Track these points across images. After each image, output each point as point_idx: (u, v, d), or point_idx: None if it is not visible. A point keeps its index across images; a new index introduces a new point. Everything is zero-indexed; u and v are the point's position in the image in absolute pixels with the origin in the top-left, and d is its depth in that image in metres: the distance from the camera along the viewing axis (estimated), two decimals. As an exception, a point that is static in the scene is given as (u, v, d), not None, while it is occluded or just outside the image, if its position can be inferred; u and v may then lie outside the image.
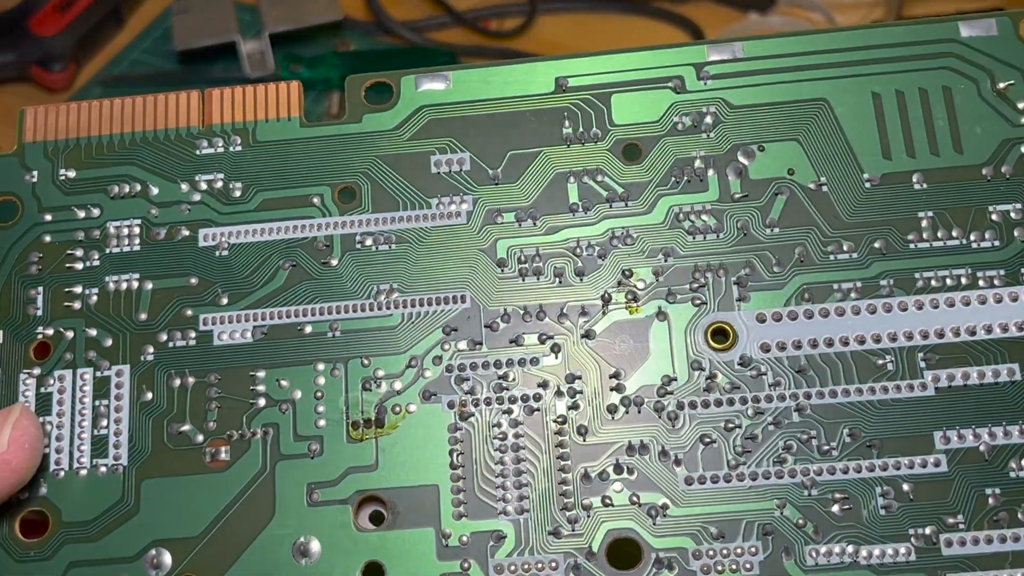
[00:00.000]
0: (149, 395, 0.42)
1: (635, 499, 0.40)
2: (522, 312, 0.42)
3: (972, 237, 0.41)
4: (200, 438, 0.42)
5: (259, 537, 0.40)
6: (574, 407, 0.41)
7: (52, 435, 0.42)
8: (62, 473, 0.41)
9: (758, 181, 0.43)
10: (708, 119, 0.43)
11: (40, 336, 0.43)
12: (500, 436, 0.41)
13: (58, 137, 0.45)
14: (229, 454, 0.41)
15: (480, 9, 0.81)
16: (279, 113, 0.45)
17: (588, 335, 0.42)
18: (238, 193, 0.44)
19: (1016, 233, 0.41)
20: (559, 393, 0.41)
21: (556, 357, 0.41)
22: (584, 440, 0.41)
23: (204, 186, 0.44)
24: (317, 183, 0.44)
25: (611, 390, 0.41)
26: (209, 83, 0.77)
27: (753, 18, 0.78)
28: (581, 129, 0.44)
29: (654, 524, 0.40)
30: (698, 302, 0.42)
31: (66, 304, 0.43)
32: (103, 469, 0.41)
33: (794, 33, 0.44)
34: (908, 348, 0.41)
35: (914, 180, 0.42)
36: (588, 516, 0.40)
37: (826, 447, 0.40)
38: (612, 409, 0.41)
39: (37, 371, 0.43)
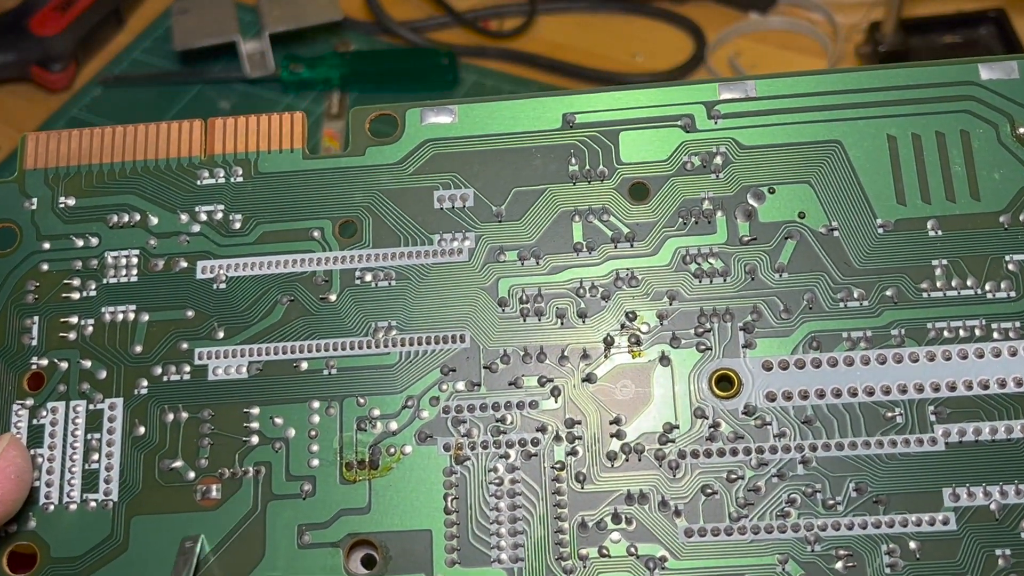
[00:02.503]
0: (142, 429, 0.41)
1: (633, 550, 0.39)
2: (522, 353, 0.41)
3: (987, 287, 0.40)
4: (191, 475, 0.41)
5: (248, 579, 0.40)
6: (572, 453, 0.40)
7: (43, 468, 0.41)
8: (52, 507, 0.41)
9: (767, 224, 0.42)
10: (718, 159, 0.42)
11: (34, 366, 0.42)
12: (496, 481, 0.40)
13: (59, 164, 0.45)
14: (220, 492, 0.41)
15: (480, 9, 0.81)
16: (282, 144, 0.44)
17: (589, 379, 0.41)
18: (238, 225, 0.43)
19: (1033, 284, 0.40)
20: (558, 438, 0.40)
21: (556, 401, 0.40)
22: (582, 488, 0.40)
23: (204, 217, 0.44)
24: (318, 216, 0.43)
25: (611, 436, 0.40)
26: (209, 83, 0.76)
27: (753, 18, 0.77)
28: (588, 167, 0.43)
29: (652, 577, 0.39)
30: (703, 348, 0.41)
31: (61, 334, 0.43)
32: (93, 504, 0.41)
33: (809, 73, 0.43)
34: (918, 401, 0.39)
35: (928, 227, 0.41)
36: (584, 567, 0.39)
37: (831, 501, 0.39)
38: (612, 456, 0.40)
39: (30, 402, 0.42)
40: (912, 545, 0.38)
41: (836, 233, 0.41)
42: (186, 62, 0.78)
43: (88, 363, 0.42)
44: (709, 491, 0.39)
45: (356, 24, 0.80)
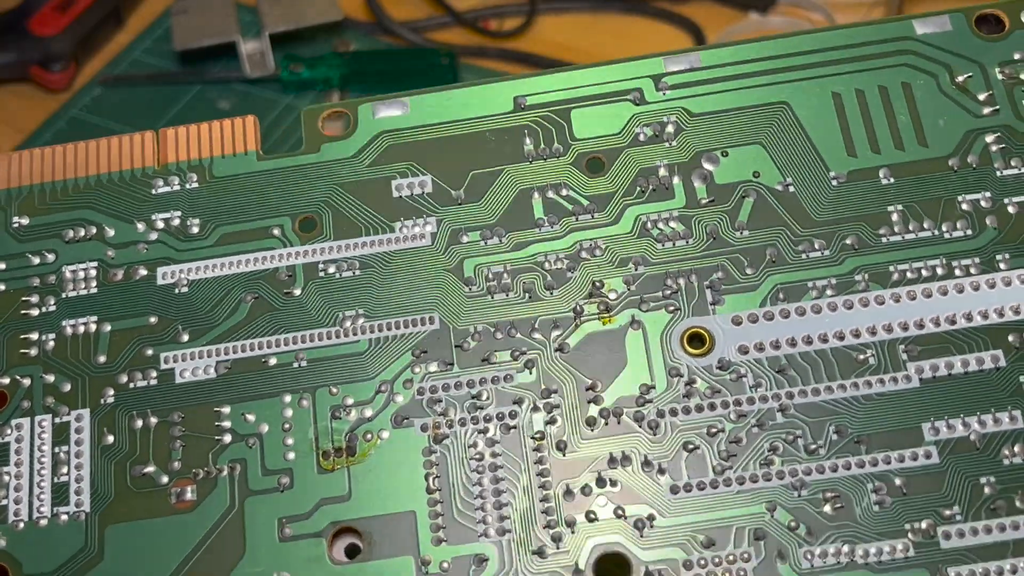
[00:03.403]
0: (111, 438, 0.40)
1: (620, 512, 0.38)
2: (492, 330, 0.41)
3: (944, 227, 0.41)
4: (164, 479, 0.40)
5: (230, 577, 0.39)
6: (551, 422, 0.40)
7: (10, 486, 0.40)
8: (21, 524, 0.40)
9: (724, 186, 0.42)
10: (670, 128, 0.43)
11: (-4, 385, 0.42)
12: (477, 456, 0.39)
13: (11, 185, 0.44)
14: (195, 493, 0.40)
15: (480, 9, 0.81)
16: (235, 148, 0.44)
17: (562, 348, 0.40)
18: (196, 229, 0.43)
19: (988, 221, 0.41)
20: (535, 408, 0.40)
21: (530, 373, 0.40)
22: (564, 455, 0.39)
23: (161, 224, 0.43)
24: (277, 215, 0.43)
25: (588, 402, 0.40)
26: (209, 83, 0.76)
27: (753, 18, 0.78)
28: (543, 145, 0.43)
29: (641, 536, 0.38)
30: (672, 309, 0.41)
31: (22, 351, 0.42)
32: (64, 517, 0.40)
33: (751, 40, 0.44)
34: (888, 341, 0.40)
35: (881, 175, 0.42)
36: (573, 533, 0.38)
37: (813, 446, 0.39)
38: (591, 422, 0.40)
39: (-7, 421, 0.41)
40: (898, 481, 0.38)
41: (792, 188, 0.42)
42: (186, 62, 0.78)
43: (51, 377, 0.41)
44: (691, 447, 0.39)
45: (356, 24, 0.80)
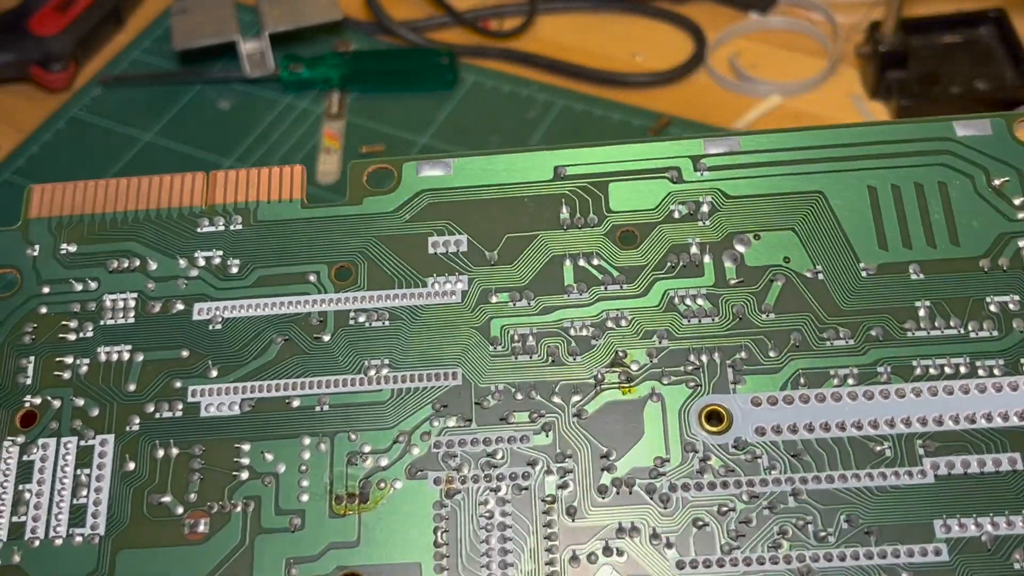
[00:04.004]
0: (132, 465, 0.41)
1: (624, 582, 0.38)
2: (513, 390, 0.41)
3: (970, 327, 0.41)
4: (180, 510, 0.41)
5: (234, 612, 0.39)
6: (563, 486, 0.40)
7: (31, 503, 0.41)
8: (37, 542, 0.40)
9: (754, 268, 0.43)
10: (704, 208, 0.44)
11: (27, 404, 0.43)
12: (487, 515, 0.40)
13: (63, 213, 0.46)
14: (208, 526, 0.40)
15: (480, 9, 0.82)
16: (281, 195, 0.46)
17: (580, 414, 0.41)
18: (235, 269, 0.44)
19: (1015, 324, 0.41)
20: (549, 471, 0.40)
21: (547, 436, 0.41)
22: (573, 520, 0.39)
23: (202, 262, 0.45)
24: (314, 261, 0.44)
25: (602, 470, 0.40)
26: (209, 83, 0.77)
27: (753, 18, 0.79)
28: (578, 215, 0.44)
29: (643, 608, 0.38)
30: (692, 384, 0.41)
31: (56, 373, 0.43)
32: (79, 539, 0.40)
33: (792, 129, 0.45)
34: (906, 435, 0.40)
35: (911, 270, 0.42)
36: (575, 599, 0.38)
37: (823, 533, 0.38)
38: (602, 490, 0.40)
39: (21, 439, 0.42)
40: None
41: (821, 276, 0.42)
42: (186, 62, 0.79)
43: (81, 401, 0.42)
44: (700, 523, 0.39)
45: (356, 24, 0.81)
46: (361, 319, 0.43)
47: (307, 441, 0.41)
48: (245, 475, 0.41)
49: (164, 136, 0.73)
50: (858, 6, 0.78)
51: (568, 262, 0.43)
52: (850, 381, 0.41)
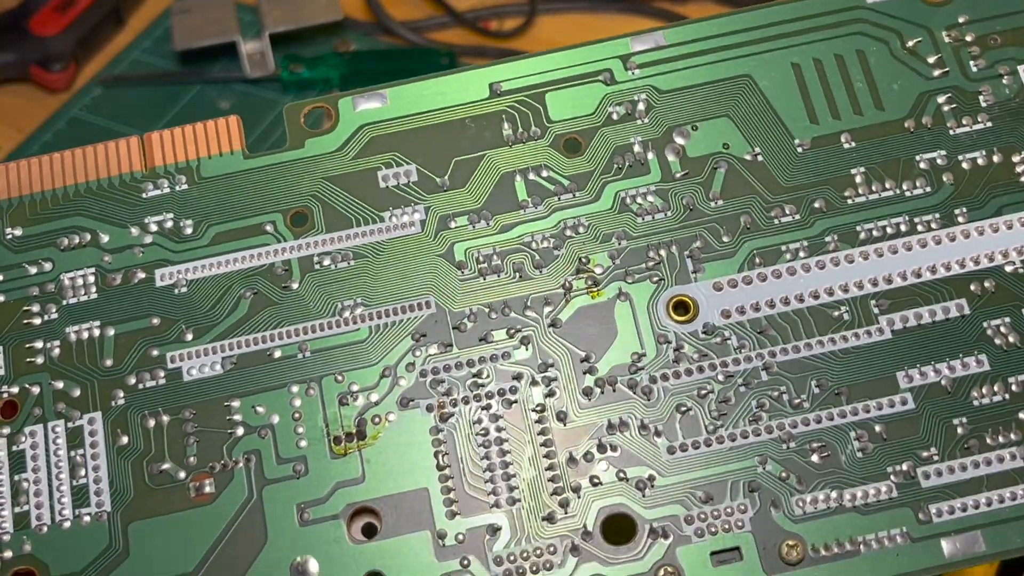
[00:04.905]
0: (125, 439, 0.42)
1: (622, 475, 0.41)
2: (487, 310, 0.43)
3: (904, 186, 0.43)
4: (182, 474, 0.41)
5: (255, 564, 0.40)
6: (550, 394, 0.42)
7: (30, 491, 0.41)
8: (45, 528, 0.41)
9: (696, 158, 0.44)
10: (641, 106, 0.45)
11: (5, 395, 0.43)
12: (482, 432, 0.41)
13: (0, 197, 0.45)
14: (213, 486, 0.41)
15: (480, 9, 0.82)
16: (221, 148, 0.45)
17: (555, 324, 0.42)
18: (189, 230, 0.44)
19: (944, 178, 0.43)
20: (534, 383, 0.42)
21: (527, 349, 0.42)
22: (565, 425, 0.41)
23: (154, 227, 0.44)
24: (268, 211, 0.44)
25: (584, 373, 0.42)
26: (209, 83, 0.76)
27: None
28: (521, 129, 0.45)
29: (643, 496, 0.40)
30: (656, 279, 0.43)
31: (28, 360, 0.43)
32: (87, 518, 0.41)
33: (711, 17, 0.46)
34: (860, 297, 0.42)
35: (843, 140, 0.44)
36: (579, 497, 0.40)
37: (797, 400, 0.41)
38: (587, 392, 0.42)
39: (7, 430, 0.42)
40: (877, 428, 0.41)
41: (760, 158, 0.44)
42: (186, 62, 0.78)
43: (60, 383, 0.43)
44: (684, 409, 0.41)
45: (356, 24, 0.81)
46: (326, 262, 0.44)
47: (295, 389, 0.42)
48: (240, 431, 0.42)
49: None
50: None
51: (519, 178, 0.44)
52: (801, 254, 0.43)
